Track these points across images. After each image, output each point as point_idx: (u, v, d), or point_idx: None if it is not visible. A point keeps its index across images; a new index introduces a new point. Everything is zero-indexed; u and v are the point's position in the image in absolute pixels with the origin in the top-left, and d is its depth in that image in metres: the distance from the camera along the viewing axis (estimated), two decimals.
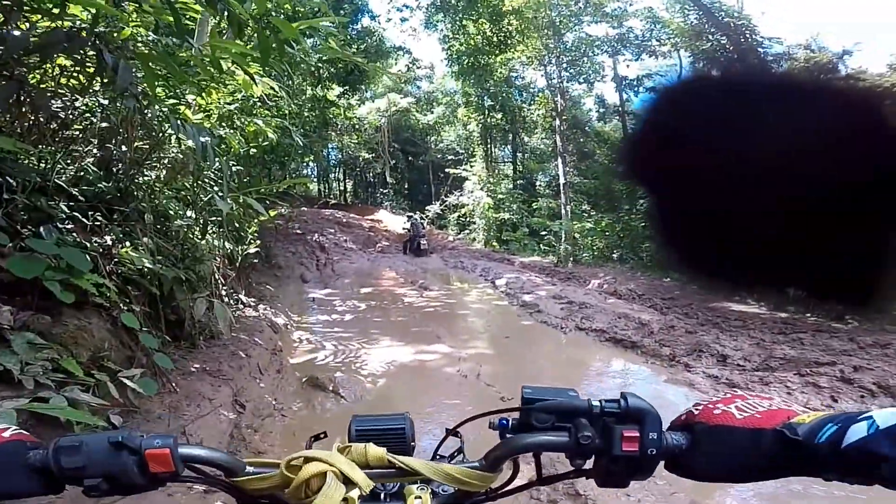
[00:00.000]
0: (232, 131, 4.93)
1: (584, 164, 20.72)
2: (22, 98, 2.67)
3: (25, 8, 2.41)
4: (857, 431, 0.48)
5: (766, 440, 0.54)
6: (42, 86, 2.93)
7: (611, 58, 18.09)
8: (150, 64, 2.69)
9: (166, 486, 0.61)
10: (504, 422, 0.68)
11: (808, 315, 6.38)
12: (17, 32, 2.39)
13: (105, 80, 2.79)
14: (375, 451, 0.66)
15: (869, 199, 0.38)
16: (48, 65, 2.92)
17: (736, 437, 0.56)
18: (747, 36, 12.93)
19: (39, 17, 2.57)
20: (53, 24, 2.57)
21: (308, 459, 0.62)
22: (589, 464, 0.63)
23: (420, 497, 0.67)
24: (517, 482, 0.72)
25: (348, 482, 0.62)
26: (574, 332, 7.13)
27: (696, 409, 0.61)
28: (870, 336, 5.25)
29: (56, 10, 2.43)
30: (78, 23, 2.61)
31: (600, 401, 0.62)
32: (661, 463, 0.60)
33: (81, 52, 2.68)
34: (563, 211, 15.69)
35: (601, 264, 12.69)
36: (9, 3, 2.35)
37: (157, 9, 2.59)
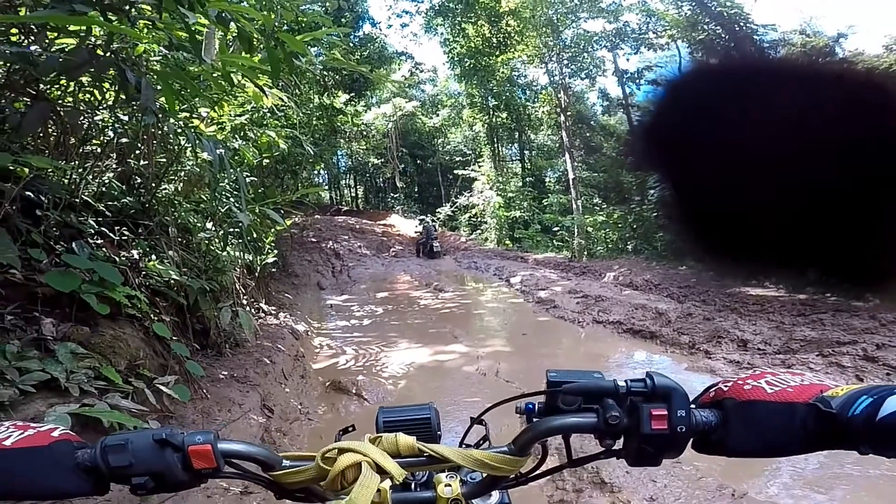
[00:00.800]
0: (245, 143, 5.01)
1: (591, 157, 20.63)
2: (53, 117, 2.74)
3: (48, 28, 2.48)
4: (893, 404, 0.47)
5: (799, 414, 0.54)
6: (62, 101, 2.98)
7: (610, 52, 17.98)
8: (167, 80, 2.76)
9: (207, 484, 0.64)
10: (530, 406, 0.69)
11: (828, 295, 6.32)
12: (34, 47, 2.46)
13: (125, 97, 2.85)
14: (406, 440, 0.67)
15: (885, 177, 0.38)
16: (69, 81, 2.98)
17: (768, 412, 0.56)
18: (741, 24, 12.86)
19: (56, 34, 2.60)
20: (71, 41, 2.61)
21: (342, 451, 0.64)
22: (619, 444, 0.63)
23: (450, 485, 0.69)
24: (546, 465, 0.73)
25: (381, 472, 0.64)
26: (591, 325, 7.14)
27: (725, 386, 0.61)
28: (892, 313, 5.20)
29: (75, 28, 2.49)
30: (93, 39, 2.65)
31: (626, 381, 0.62)
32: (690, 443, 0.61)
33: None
34: (573, 205, 15.69)
35: (615, 257, 12.66)
36: (35, 26, 2.43)
37: (169, 25, 2.63)
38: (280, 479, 0.66)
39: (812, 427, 0.53)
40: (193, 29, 2.41)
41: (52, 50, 2.55)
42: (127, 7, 2.28)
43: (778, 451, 0.57)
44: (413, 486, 0.83)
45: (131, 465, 0.58)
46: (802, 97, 0.39)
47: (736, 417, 0.58)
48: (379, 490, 0.62)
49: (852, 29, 13.94)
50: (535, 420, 0.68)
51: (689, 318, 6.49)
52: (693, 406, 0.62)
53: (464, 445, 0.81)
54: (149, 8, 2.32)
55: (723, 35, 12.90)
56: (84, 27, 2.48)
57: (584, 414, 0.64)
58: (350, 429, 0.96)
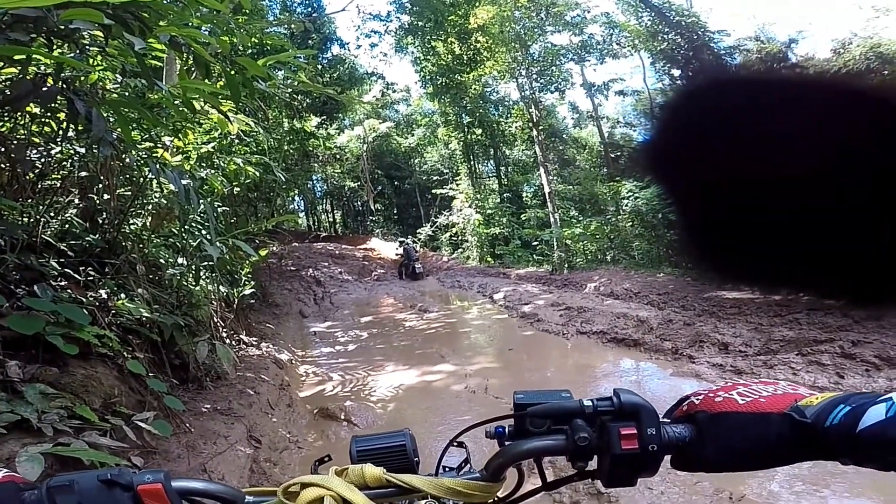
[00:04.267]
0: (213, 171, 4.87)
1: (566, 170, 20.97)
2: (0, 150, 2.64)
3: None
4: (875, 414, 0.45)
5: (773, 425, 0.52)
6: (13, 134, 2.87)
7: (577, 64, 18.38)
8: (121, 109, 2.62)
9: None
10: (500, 429, 0.68)
11: (801, 295, 6.42)
12: None
13: (79, 128, 2.71)
14: (373, 471, 0.65)
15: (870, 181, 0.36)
16: (19, 113, 2.85)
17: (741, 424, 0.54)
18: (699, 33, 13.23)
19: (2, 63, 2.45)
20: (17, 70, 2.47)
21: (305, 485, 0.61)
22: (592, 465, 0.61)
23: None
24: (525, 488, 0.71)
25: None
26: (576, 336, 7.17)
27: (697, 399, 0.59)
28: (863, 310, 5.30)
29: (20, 57, 2.38)
30: (43, 67, 2.52)
31: (592, 400, 0.61)
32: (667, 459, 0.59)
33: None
34: (551, 219, 15.79)
35: (595, 267, 12.74)
36: None
37: (123, 51, 2.49)
38: None
39: (788, 438, 0.51)
40: (147, 55, 2.31)
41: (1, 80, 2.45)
42: (74, 35, 2.19)
43: (755, 464, 0.54)
44: None
45: None
46: (795, 112, 0.38)
47: (709, 431, 0.56)
48: None
49: (802, 34, 14.35)
50: (506, 444, 0.66)
51: (670, 325, 6.55)
52: (667, 420, 0.61)
53: (443, 469, 0.78)
54: (100, 34, 2.23)
55: (682, 44, 13.25)
56: (27, 59, 2.39)
57: (554, 436, 0.62)
58: (326, 458, 0.92)
